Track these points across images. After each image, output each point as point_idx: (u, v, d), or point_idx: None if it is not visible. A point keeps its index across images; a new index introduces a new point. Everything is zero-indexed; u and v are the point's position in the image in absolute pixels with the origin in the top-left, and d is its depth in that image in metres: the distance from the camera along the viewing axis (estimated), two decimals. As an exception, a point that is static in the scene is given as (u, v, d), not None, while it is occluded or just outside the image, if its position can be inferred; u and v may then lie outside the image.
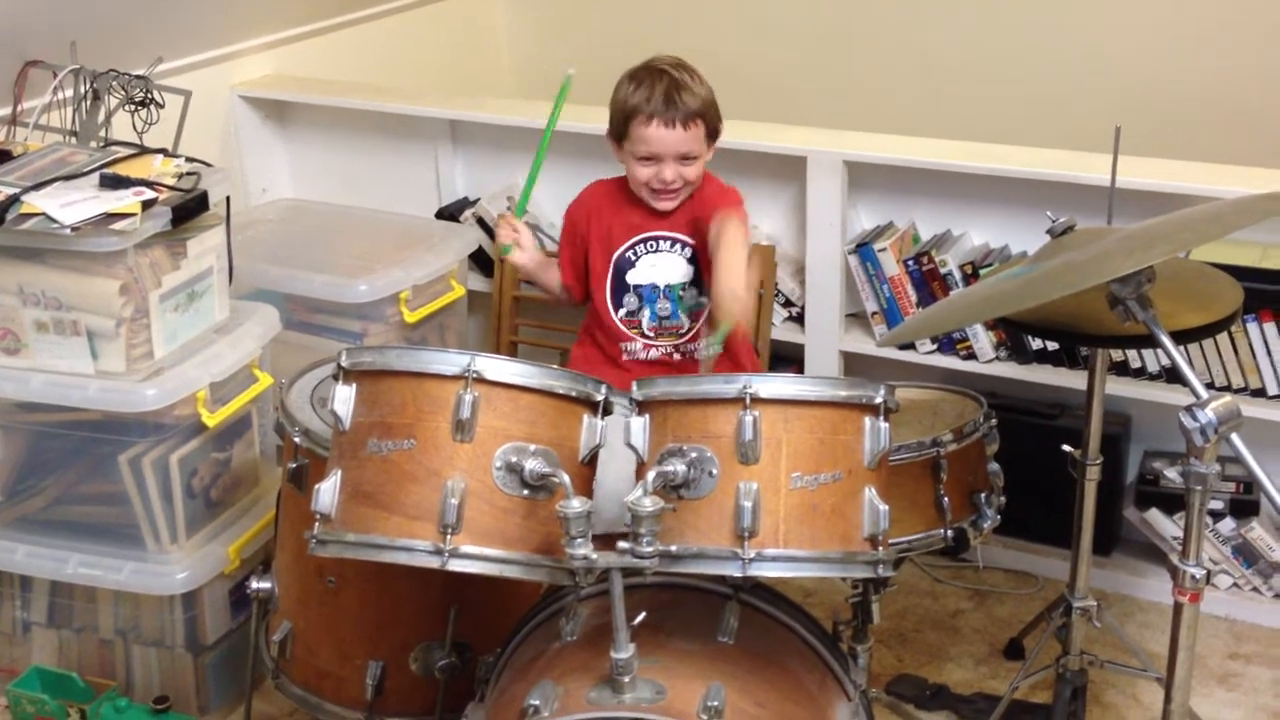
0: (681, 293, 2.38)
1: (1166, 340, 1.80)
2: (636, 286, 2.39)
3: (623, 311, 2.40)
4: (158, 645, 2.54)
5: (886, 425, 1.76)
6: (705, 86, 2.32)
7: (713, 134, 2.34)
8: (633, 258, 2.39)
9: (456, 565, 1.71)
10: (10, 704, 2.49)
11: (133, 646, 2.56)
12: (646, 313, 2.39)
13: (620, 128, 2.33)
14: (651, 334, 2.39)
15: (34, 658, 2.59)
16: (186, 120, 2.79)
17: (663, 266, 2.39)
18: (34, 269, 2.32)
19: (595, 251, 2.41)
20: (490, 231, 3.26)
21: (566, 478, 1.70)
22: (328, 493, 1.77)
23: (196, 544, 2.49)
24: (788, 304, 3.07)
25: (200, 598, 2.51)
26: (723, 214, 2.24)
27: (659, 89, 2.27)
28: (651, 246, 2.39)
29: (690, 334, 2.40)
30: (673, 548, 1.69)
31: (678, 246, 2.38)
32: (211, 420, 2.45)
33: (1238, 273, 2.28)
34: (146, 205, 2.30)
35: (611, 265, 2.40)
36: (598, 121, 2.43)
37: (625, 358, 2.41)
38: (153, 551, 2.45)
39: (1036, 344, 2.84)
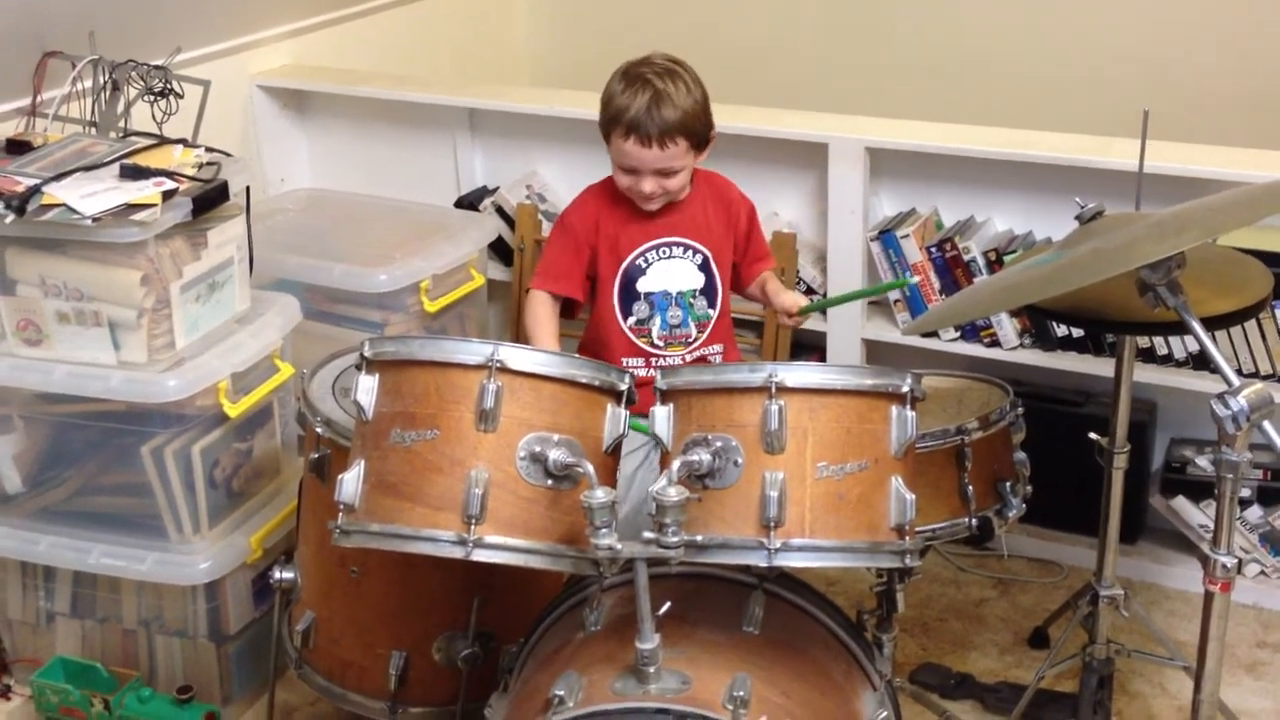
0: (692, 300, 2.34)
1: (1198, 327, 1.78)
2: (648, 294, 2.33)
3: (632, 320, 2.33)
4: (181, 635, 2.54)
5: (913, 414, 1.74)
6: (693, 95, 2.21)
7: (699, 143, 2.25)
8: (643, 264, 2.32)
9: (480, 555, 1.70)
10: (35, 694, 2.49)
11: (156, 636, 2.56)
12: (657, 320, 2.33)
13: (605, 130, 2.26)
14: (661, 343, 2.34)
15: (58, 648, 2.60)
16: (205, 110, 2.78)
17: (675, 273, 2.33)
18: (55, 260, 2.32)
19: (603, 259, 2.34)
20: (510, 221, 3.25)
21: (590, 467, 1.69)
22: (351, 483, 1.77)
23: (219, 534, 2.50)
24: (809, 291, 3.05)
25: (223, 588, 2.51)
26: (765, 274, 2.44)
27: (638, 102, 2.18)
28: (664, 253, 2.33)
29: (698, 343, 2.36)
30: (698, 538, 1.68)
31: (689, 252, 2.33)
32: (233, 411, 2.44)
33: (1267, 258, 2.25)
34: (167, 195, 2.29)
35: (620, 273, 2.33)
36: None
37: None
38: (175, 542, 2.46)
39: (1061, 331, 2.82)
